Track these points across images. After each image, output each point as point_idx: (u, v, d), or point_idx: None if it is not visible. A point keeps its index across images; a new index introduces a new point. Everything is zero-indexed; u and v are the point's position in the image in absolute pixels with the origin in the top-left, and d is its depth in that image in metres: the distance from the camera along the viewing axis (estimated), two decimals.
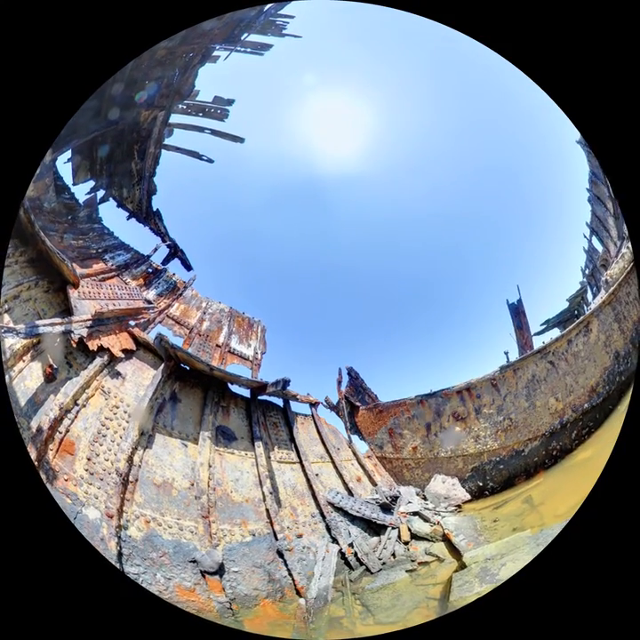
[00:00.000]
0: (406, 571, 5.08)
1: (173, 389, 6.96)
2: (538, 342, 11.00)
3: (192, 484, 5.68)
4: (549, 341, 7.10)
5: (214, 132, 10.75)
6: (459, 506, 6.81)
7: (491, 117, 52.65)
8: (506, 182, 55.28)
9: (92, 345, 5.62)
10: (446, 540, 5.53)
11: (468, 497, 7.09)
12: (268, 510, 6.05)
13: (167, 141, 10.33)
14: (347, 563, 5.63)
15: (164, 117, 9.06)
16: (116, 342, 6.17)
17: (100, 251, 8.32)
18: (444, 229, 56.82)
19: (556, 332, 13.28)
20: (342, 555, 5.73)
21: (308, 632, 3.92)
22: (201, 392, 7.38)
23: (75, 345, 5.32)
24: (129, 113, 7.85)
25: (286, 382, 7.78)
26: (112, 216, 10.30)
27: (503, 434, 7.22)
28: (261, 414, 8.11)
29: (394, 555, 5.65)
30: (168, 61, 7.73)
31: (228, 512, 5.74)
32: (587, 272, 14.16)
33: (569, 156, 14.74)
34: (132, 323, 6.82)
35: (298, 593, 4.84)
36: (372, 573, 5.30)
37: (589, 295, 13.63)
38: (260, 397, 8.24)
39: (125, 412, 5.64)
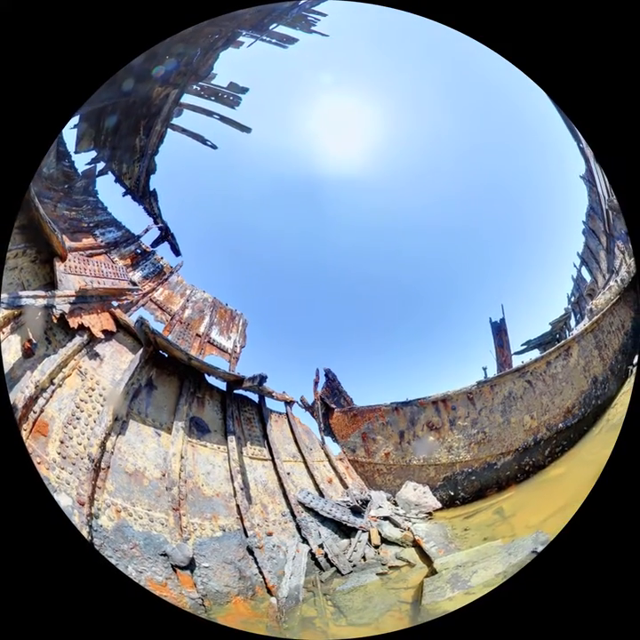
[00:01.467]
0: (377, 574, 5.10)
1: (150, 376, 6.77)
2: (517, 361, 11.38)
3: (163, 475, 5.54)
4: (529, 361, 7.31)
5: (223, 119, 10.53)
6: (429, 513, 6.91)
7: (498, 134, 53.37)
8: (504, 201, 55.89)
9: (73, 322, 5.37)
10: (417, 545, 5.61)
11: (439, 505, 7.20)
12: (238, 506, 5.98)
13: (175, 121, 10.01)
14: (317, 563, 5.62)
15: (177, 96, 8.76)
16: (97, 322, 5.93)
17: (91, 225, 7.96)
18: (437, 241, 57.24)
19: (535, 354, 13.77)
20: (312, 555, 5.72)
21: (282, 631, 3.89)
22: (177, 381, 7.23)
23: (56, 321, 5.07)
24: (143, 86, 7.53)
25: (263, 378, 7.72)
26: (108, 190, 9.89)
27: (476, 446, 7.38)
28: (236, 408, 8.03)
29: (364, 557, 5.68)
30: (192, 39, 7.48)
31: (198, 505, 5.62)
32: (572, 299, 14.60)
33: (571, 187, 15.03)
34: (115, 303, 6.57)
35: (269, 591, 4.79)
36: (342, 575, 5.31)
37: (573, 321, 14.08)
38: (235, 391, 8.16)
39: (101, 396, 5.44)
